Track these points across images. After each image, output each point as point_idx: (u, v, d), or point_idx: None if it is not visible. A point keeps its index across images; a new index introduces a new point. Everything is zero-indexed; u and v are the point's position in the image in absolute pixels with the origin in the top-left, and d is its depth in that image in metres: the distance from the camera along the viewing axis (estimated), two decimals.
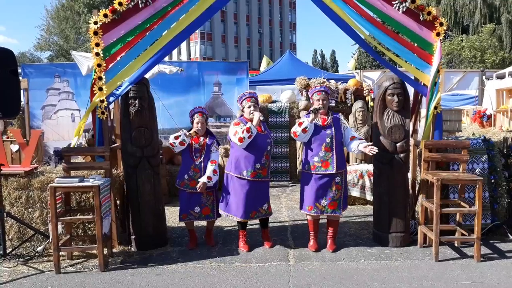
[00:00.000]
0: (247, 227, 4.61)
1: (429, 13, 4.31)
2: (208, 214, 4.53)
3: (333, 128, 4.30)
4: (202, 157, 4.45)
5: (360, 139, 4.34)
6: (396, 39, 4.44)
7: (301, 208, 4.47)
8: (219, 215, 4.62)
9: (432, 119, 4.47)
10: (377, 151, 4.12)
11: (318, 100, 4.34)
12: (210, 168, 4.43)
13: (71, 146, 4.46)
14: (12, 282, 3.77)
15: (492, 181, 4.72)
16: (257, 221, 4.76)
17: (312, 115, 4.23)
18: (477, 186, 4.06)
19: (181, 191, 4.49)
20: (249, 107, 4.39)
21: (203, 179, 4.35)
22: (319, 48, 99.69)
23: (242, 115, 4.54)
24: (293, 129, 4.34)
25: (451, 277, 3.76)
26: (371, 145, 4.21)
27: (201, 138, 4.49)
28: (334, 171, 4.25)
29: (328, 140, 4.27)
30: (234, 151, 4.40)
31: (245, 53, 54.59)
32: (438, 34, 4.33)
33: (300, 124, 4.29)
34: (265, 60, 16.70)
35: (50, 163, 7.45)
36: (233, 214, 4.41)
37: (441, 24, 4.32)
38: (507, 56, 24.39)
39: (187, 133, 4.37)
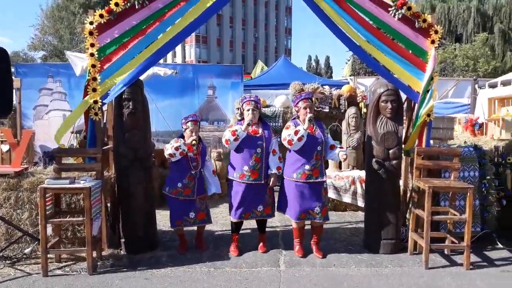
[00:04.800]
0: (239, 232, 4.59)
1: (424, 20, 4.34)
2: (203, 219, 4.53)
3: (322, 136, 4.29)
4: (199, 166, 4.45)
5: (341, 147, 4.33)
6: (390, 45, 4.46)
7: (291, 216, 4.36)
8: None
9: (423, 127, 4.50)
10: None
11: (306, 108, 4.28)
12: (215, 179, 4.64)
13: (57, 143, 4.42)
14: None
15: (483, 189, 4.75)
16: (249, 225, 4.73)
17: (307, 123, 4.16)
18: (468, 194, 4.08)
19: (173, 198, 4.42)
20: (248, 110, 4.35)
21: (217, 192, 4.67)
22: (313, 54, 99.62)
23: (241, 119, 4.49)
24: (287, 137, 4.18)
25: (441, 285, 3.77)
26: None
27: (194, 146, 4.40)
28: (324, 179, 4.31)
29: (319, 148, 4.26)
30: (231, 153, 4.45)
31: (240, 57, 54.62)
32: (432, 42, 4.37)
33: (296, 132, 4.14)
34: (258, 66, 16.53)
35: (40, 164, 7.37)
36: (231, 215, 4.45)
37: (436, 32, 4.36)
38: (499, 65, 24.69)
39: (185, 143, 4.31)
